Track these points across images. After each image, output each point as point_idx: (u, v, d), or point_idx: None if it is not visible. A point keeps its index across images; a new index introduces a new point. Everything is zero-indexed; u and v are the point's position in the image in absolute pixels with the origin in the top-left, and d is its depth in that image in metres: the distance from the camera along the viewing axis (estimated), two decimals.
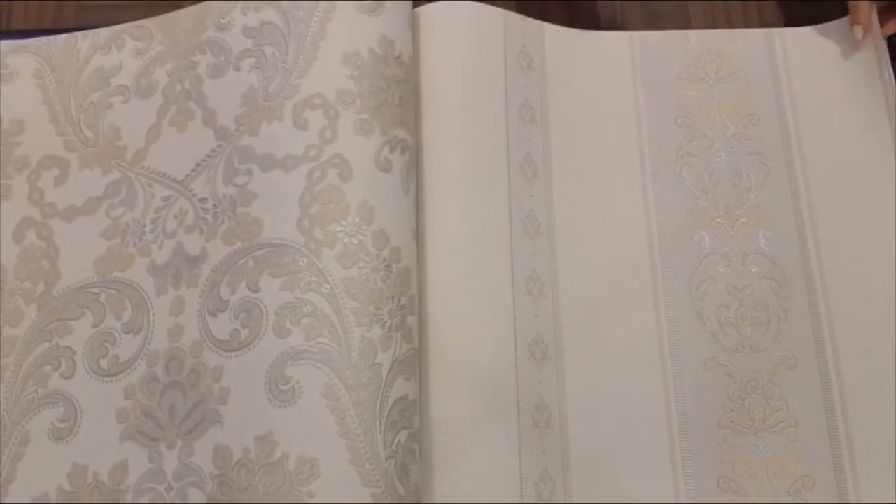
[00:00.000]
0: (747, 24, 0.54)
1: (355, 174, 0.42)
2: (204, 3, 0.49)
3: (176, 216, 0.44)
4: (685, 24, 0.54)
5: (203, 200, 0.43)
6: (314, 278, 0.40)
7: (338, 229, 0.41)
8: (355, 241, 0.41)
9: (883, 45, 0.49)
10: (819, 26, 0.51)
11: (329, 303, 0.39)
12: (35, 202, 0.46)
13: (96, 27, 0.50)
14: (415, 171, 0.45)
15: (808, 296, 0.44)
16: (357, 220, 0.41)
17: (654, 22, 0.54)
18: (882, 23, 0.49)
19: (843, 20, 0.50)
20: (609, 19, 0.54)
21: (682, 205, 0.47)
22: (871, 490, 0.41)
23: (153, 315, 0.42)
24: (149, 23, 0.50)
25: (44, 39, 0.50)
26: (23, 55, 0.50)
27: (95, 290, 0.44)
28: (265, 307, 0.40)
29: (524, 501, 0.40)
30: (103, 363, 0.42)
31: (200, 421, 0.39)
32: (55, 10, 0.54)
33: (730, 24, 0.54)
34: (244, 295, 0.40)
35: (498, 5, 0.50)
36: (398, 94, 0.44)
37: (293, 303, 0.40)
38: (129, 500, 0.39)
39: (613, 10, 0.55)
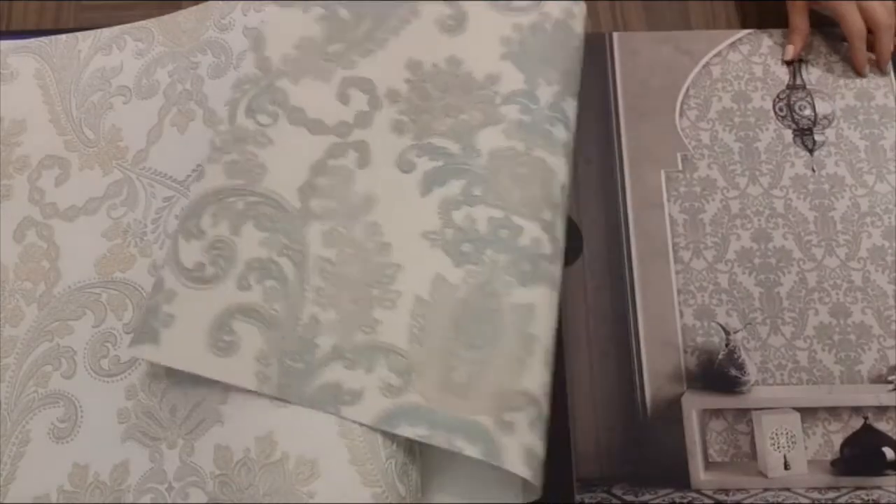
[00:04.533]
0: (746, 25, 0.54)
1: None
2: (204, 3, 0.49)
3: (177, 216, 0.44)
4: (685, 24, 0.54)
5: None
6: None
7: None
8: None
9: None
10: None
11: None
12: (35, 202, 0.46)
13: (97, 28, 0.50)
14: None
15: None
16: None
17: (654, 22, 0.54)
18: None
19: None
20: (608, 19, 0.54)
21: None
22: None
23: None
24: (150, 23, 0.50)
25: (45, 39, 0.50)
26: (24, 55, 0.50)
27: (97, 291, 0.44)
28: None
29: None
30: (104, 363, 0.42)
31: (201, 421, 0.39)
32: (55, 10, 0.54)
33: (729, 24, 0.54)
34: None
35: None
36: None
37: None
38: (130, 500, 0.39)
39: (613, 11, 0.55)
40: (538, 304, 0.40)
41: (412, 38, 0.46)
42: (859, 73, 0.51)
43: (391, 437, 0.38)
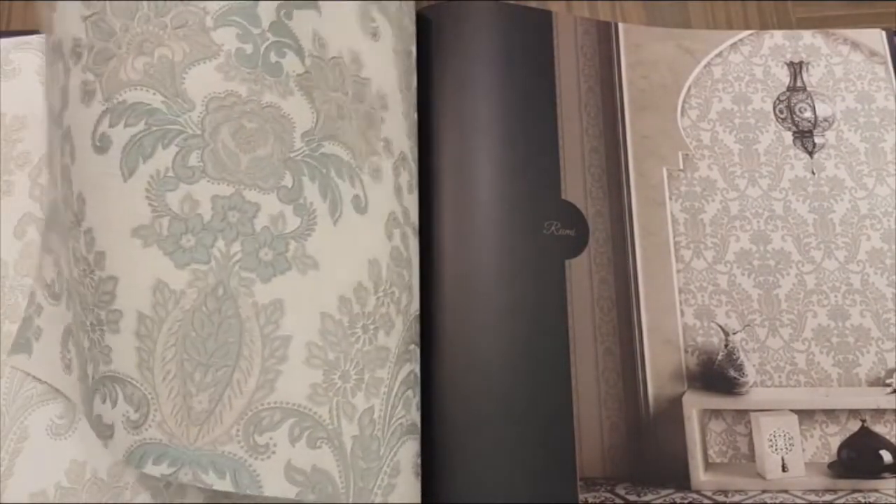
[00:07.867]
0: (748, 25, 0.54)
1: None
2: None
3: None
4: (685, 24, 0.54)
5: None
6: None
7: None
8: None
9: None
10: None
11: None
12: (37, 198, 0.46)
13: None
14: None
15: None
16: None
17: (654, 22, 0.54)
18: None
19: None
20: (608, 18, 0.54)
21: None
22: None
23: None
24: None
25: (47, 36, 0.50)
26: (26, 51, 0.50)
27: None
28: None
29: None
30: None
31: None
32: None
33: (730, 25, 0.55)
34: None
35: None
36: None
37: None
38: (127, 498, 0.39)
39: (613, 10, 0.55)
40: (288, 296, 0.34)
41: None
42: None
43: None
